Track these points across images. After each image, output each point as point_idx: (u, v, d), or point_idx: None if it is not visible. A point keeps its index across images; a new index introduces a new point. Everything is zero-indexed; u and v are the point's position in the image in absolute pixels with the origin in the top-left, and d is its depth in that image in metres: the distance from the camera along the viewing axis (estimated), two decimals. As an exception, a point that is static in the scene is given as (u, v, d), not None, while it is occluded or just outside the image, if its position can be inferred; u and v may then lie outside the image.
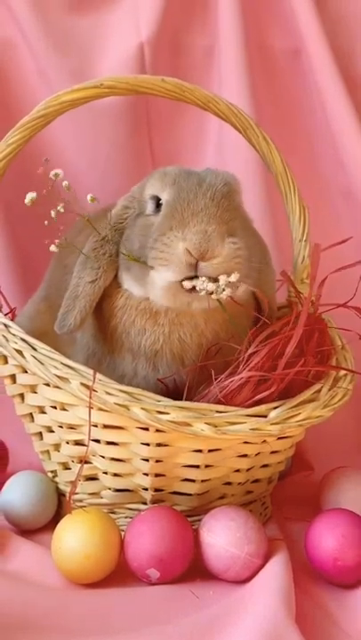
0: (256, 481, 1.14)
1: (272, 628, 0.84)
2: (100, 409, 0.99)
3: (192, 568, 1.01)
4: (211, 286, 0.95)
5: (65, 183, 1.00)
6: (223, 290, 0.95)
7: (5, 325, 1.08)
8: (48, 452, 1.16)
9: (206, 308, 1.00)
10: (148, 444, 1.03)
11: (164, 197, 1.01)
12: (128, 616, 0.93)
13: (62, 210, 1.01)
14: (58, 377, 1.01)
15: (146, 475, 1.06)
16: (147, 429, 1.01)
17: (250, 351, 1.02)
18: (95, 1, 1.54)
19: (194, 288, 0.96)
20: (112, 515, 1.09)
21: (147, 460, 1.04)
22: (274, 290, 1.15)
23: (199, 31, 1.56)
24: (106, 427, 1.03)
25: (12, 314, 1.21)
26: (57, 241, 1.05)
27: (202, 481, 1.07)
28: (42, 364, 1.02)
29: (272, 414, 0.99)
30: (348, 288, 1.11)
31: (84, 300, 1.05)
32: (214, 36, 1.54)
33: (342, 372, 1.08)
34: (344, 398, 1.06)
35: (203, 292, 0.96)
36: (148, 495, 1.08)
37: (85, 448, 1.02)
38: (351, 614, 0.95)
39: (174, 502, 1.09)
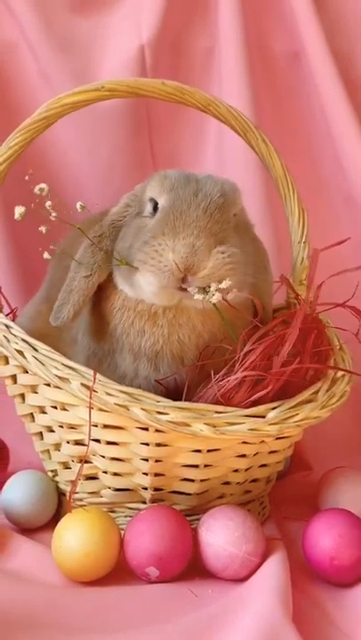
0: (255, 481, 1.15)
1: (269, 627, 0.85)
2: (101, 409, 1.00)
3: (191, 567, 1.02)
4: (199, 295, 0.97)
5: (48, 203, 1.01)
6: (213, 295, 0.97)
7: (7, 326, 1.08)
8: (48, 451, 1.16)
9: (202, 309, 1.02)
10: (147, 444, 1.03)
11: (161, 202, 1.02)
12: (127, 614, 0.93)
13: (54, 217, 1.02)
14: (58, 377, 1.01)
15: (145, 474, 1.07)
16: (146, 429, 1.01)
17: (245, 350, 1.03)
18: (96, 3, 1.55)
19: (182, 287, 0.98)
20: (112, 514, 1.09)
21: (146, 460, 1.05)
22: (271, 295, 1.16)
23: (200, 33, 1.56)
24: (106, 427, 1.03)
25: (13, 314, 1.21)
26: (51, 247, 1.06)
27: (201, 480, 1.07)
28: (43, 364, 1.03)
29: (270, 415, 1.00)
30: (348, 290, 1.12)
31: (78, 295, 1.07)
32: (215, 38, 1.55)
33: (340, 373, 1.09)
34: (342, 399, 1.06)
35: (195, 296, 0.97)
36: (147, 494, 1.09)
37: (85, 448, 1.03)
38: (348, 613, 0.95)
39: (173, 502, 1.10)
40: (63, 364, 1.02)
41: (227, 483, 1.11)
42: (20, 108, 1.53)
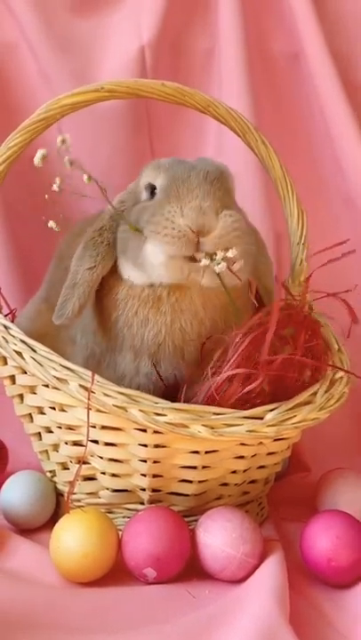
0: (253, 482, 1.15)
1: (267, 628, 0.85)
2: (99, 410, 1.00)
3: (189, 568, 1.02)
4: (206, 261, 0.97)
5: (66, 159, 1.01)
6: (219, 263, 0.97)
7: (5, 327, 1.09)
8: (47, 452, 1.17)
9: (203, 292, 1.03)
10: (145, 445, 1.04)
11: (159, 182, 1.03)
12: (126, 615, 0.94)
13: (57, 188, 1.01)
14: (57, 378, 1.02)
15: (143, 475, 1.07)
16: (144, 431, 1.01)
17: (233, 344, 1.02)
18: (97, 3, 1.55)
19: (193, 258, 0.98)
20: (110, 514, 1.09)
21: (144, 461, 1.05)
22: (272, 277, 1.16)
23: (200, 34, 1.56)
24: (104, 428, 1.04)
25: (12, 315, 1.22)
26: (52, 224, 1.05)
27: (199, 482, 1.08)
28: (41, 365, 1.03)
29: (268, 416, 1.00)
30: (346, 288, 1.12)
31: (82, 287, 1.06)
32: (215, 39, 1.55)
33: (338, 375, 1.08)
34: (340, 400, 1.06)
35: (202, 262, 0.98)
36: (145, 495, 1.09)
37: (84, 448, 1.04)
38: (345, 614, 0.96)
39: (171, 502, 1.10)
40: (61, 365, 1.02)
41: (225, 484, 1.11)
42: (20, 108, 1.53)
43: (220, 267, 0.97)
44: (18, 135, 1.10)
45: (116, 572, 1.02)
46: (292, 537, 1.12)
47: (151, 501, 1.09)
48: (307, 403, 1.03)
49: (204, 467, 1.06)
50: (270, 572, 0.97)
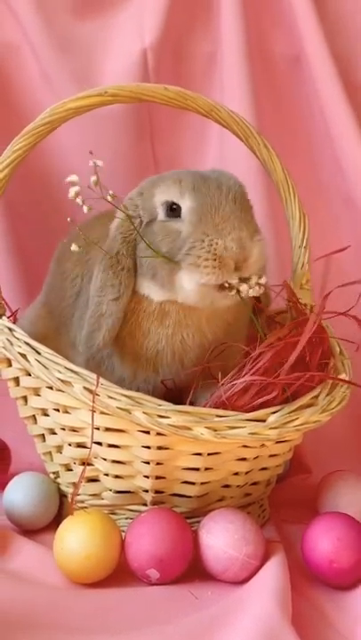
0: (255, 483, 1.16)
1: (268, 629, 0.85)
2: (103, 412, 1.01)
3: (191, 569, 1.03)
4: (244, 286, 1.00)
5: (93, 179, 1.03)
6: (251, 288, 1.00)
7: (10, 329, 1.09)
8: (50, 453, 1.17)
9: (209, 311, 1.05)
10: (148, 447, 1.04)
11: (187, 204, 1.02)
12: (128, 615, 0.94)
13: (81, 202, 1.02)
14: (61, 381, 1.02)
15: (146, 477, 1.08)
16: (148, 433, 1.02)
17: (255, 353, 1.04)
18: (99, 5, 1.56)
19: (222, 286, 1.00)
20: (113, 516, 1.10)
21: (147, 463, 1.06)
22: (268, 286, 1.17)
23: (202, 37, 1.57)
24: (108, 430, 1.04)
25: (14, 316, 1.22)
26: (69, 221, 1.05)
27: (201, 483, 1.08)
28: (45, 367, 1.04)
29: (270, 419, 1.01)
30: (348, 295, 1.13)
31: (111, 319, 1.05)
32: (217, 42, 1.55)
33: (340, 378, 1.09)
34: (342, 403, 1.07)
35: (233, 292, 1.00)
36: (148, 497, 1.10)
37: (87, 450, 1.04)
38: (347, 616, 0.96)
39: (174, 504, 1.10)
40: (66, 368, 1.03)
41: (227, 485, 1.11)
42: (22, 109, 1.54)
43: (252, 291, 1.01)
44: (22, 139, 1.11)
45: (119, 573, 1.03)
46: (294, 538, 1.13)
47: (154, 503, 1.10)
48: (309, 405, 1.04)
49: (206, 468, 1.07)
50: (272, 574, 0.97)
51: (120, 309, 1.05)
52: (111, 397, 1.00)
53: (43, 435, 1.16)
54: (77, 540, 1.00)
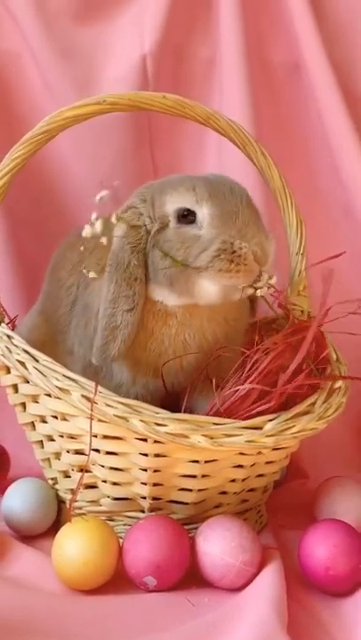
0: (251, 490, 1.16)
1: (265, 636, 0.86)
2: (100, 420, 1.01)
3: (188, 576, 1.03)
4: (260, 283, 1.03)
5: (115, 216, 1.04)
6: (262, 288, 1.03)
7: (8, 337, 1.10)
8: (49, 459, 1.18)
9: (210, 311, 1.07)
10: (146, 455, 1.05)
11: (205, 211, 1.02)
12: (126, 622, 0.95)
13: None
14: (59, 388, 1.03)
15: (144, 484, 1.08)
16: (145, 440, 1.03)
17: (252, 360, 1.04)
18: (99, 12, 1.56)
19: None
20: (110, 522, 1.11)
21: (145, 470, 1.06)
22: None
23: (201, 43, 1.57)
24: (105, 437, 1.05)
25: (13, 323, 1.23)
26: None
27: (198, 490, 1.09)
28: (44, 375, 1.04)
29: (267, 427, 1.01)
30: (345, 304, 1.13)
31: (126, 330, 1.04)
32: (216, 49, 1.55)
33: (337, 385, 1.10)
34: (338, 410, 1.07)
35: (259, 283, 1.03)
36: (146, 504, 1.10)
37: (85, 457, 1.05)
38: (343, 623, 0.97)
39: (171, 511, 1.11)
40: (64, 375, 1.04)
41: (224, 492, 1.12)
42: (22, 116, 1.54)
43: (263, 291, 1.03)
44: (21, 147, 1.12)
45: (117, 580, 1.03)
46: (291, 545, 1.13)
47: (151, 509, 1.11)
48: (305, 413, 1.05)
49: (203, 476, 1.07)
50: (269, 581, 0.98)
51: (136, 320, 1.05)
52: (109, 405, 1.01)
53: (41, 441, 1.17)
54: (75, 546, 1.01)
